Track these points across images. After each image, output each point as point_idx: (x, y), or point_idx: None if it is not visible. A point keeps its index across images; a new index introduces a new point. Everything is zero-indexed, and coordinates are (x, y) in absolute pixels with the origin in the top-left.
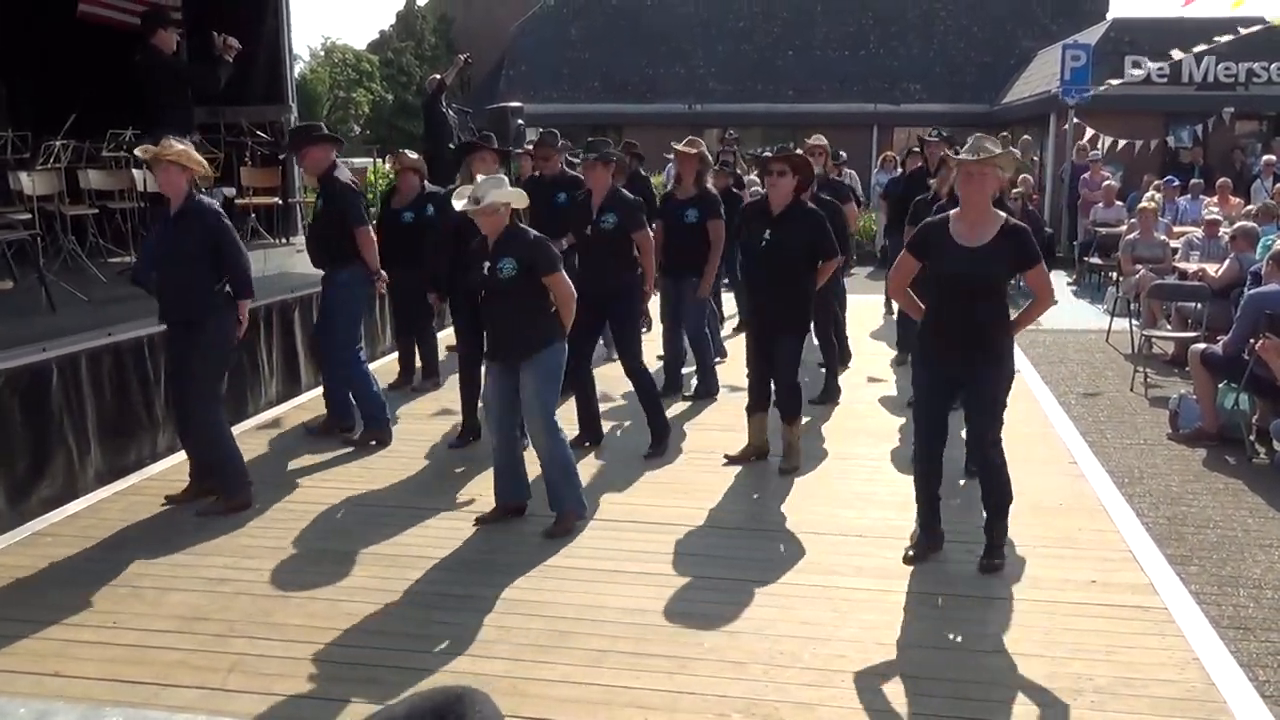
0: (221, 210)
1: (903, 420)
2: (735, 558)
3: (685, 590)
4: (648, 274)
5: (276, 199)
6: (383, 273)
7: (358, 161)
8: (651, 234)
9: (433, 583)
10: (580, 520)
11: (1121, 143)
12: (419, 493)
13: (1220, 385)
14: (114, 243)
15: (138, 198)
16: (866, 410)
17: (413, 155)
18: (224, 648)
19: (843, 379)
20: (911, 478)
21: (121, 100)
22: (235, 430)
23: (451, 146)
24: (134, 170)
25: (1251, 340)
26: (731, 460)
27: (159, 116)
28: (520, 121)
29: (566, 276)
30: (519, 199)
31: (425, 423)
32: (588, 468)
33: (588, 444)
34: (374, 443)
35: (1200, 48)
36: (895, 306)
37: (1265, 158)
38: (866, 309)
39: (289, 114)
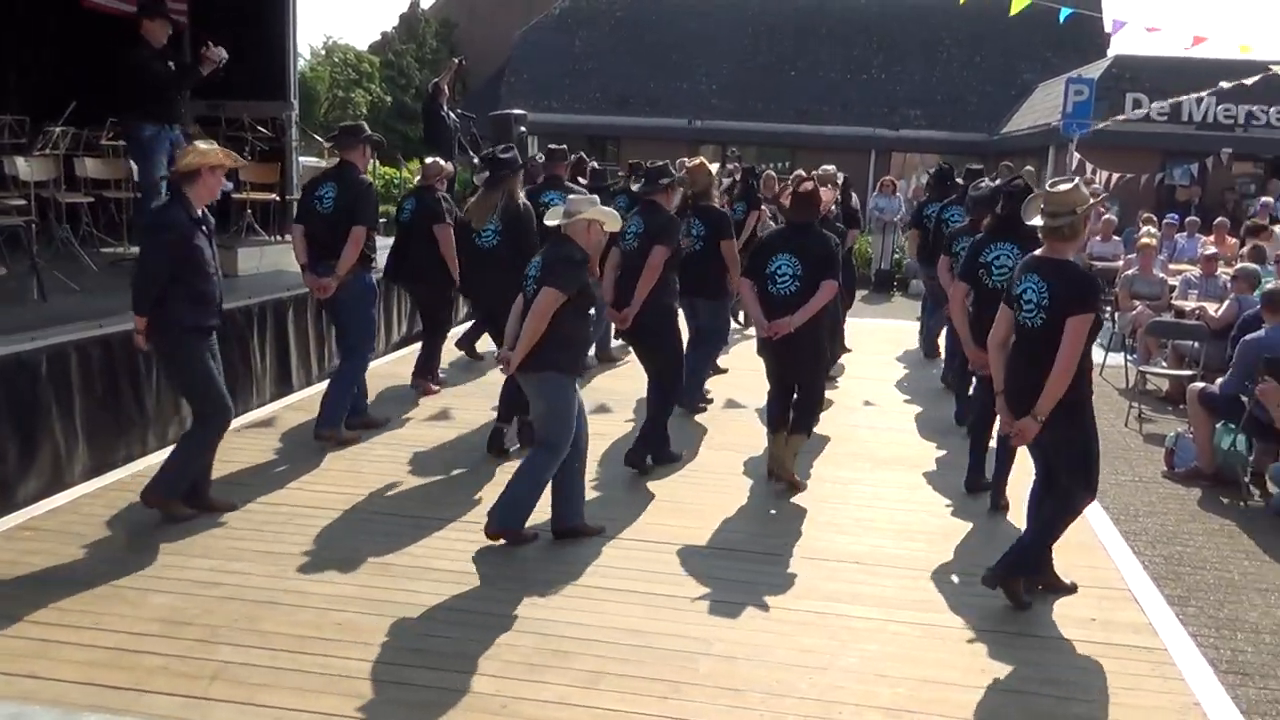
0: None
1: (902, 447)
2: (733, 580)
3: (682, 612)
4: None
5: (274, 195)
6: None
7: None
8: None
9: (425, 595)
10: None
11: (1117, 177)
12: (412, 500)
13: (1218, 425)
14: (107, 232)
15: (133, 187)
16: (866, 435)
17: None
18: (207, 654)
19: (842, 404)
20: (913, 502)
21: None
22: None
23: (473, 155)
24: (132, 160)
25: (1248, 384)
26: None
27: (134, 105)
28: (523, 129)
29: None
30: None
31: (420, 428)
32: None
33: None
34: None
35: (1205, 95)
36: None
37: (1263, 199)
38: (871, 333)
39: (290, 110)
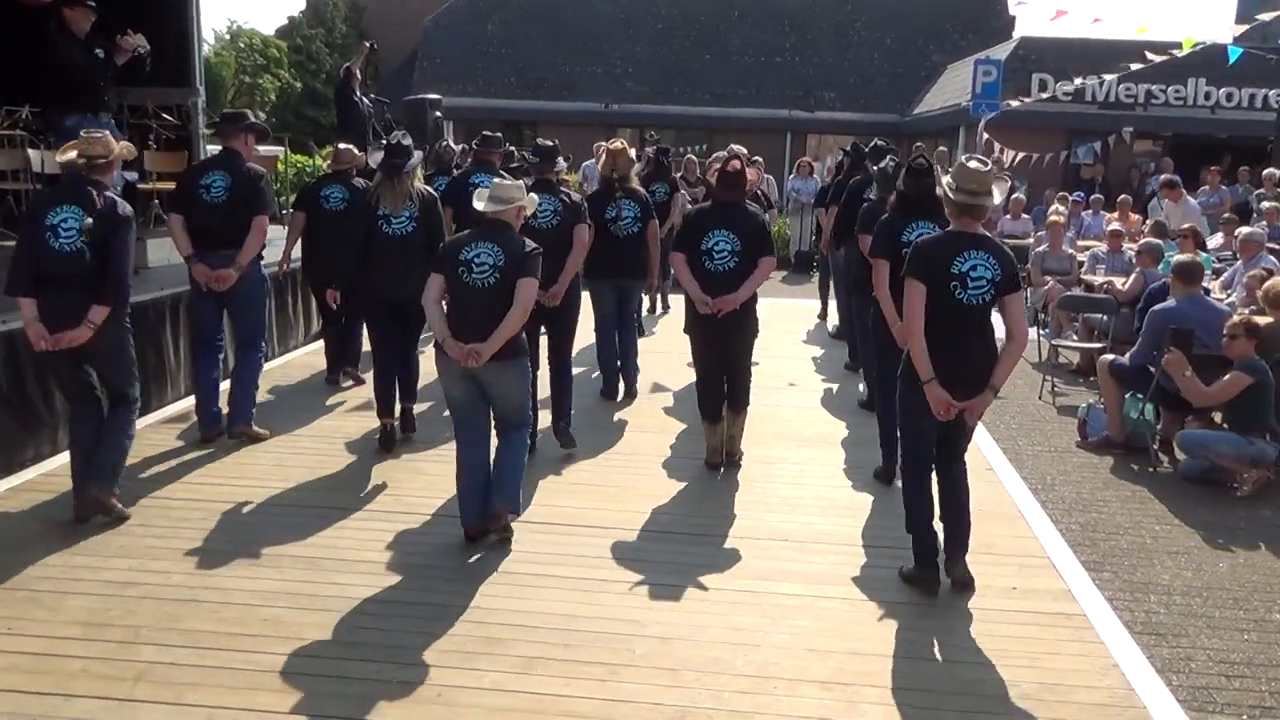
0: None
1: (826, 425)
2: (665, 562)
3: (615, 595)
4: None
5: None
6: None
7: (264, 150)
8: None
9: (353, 587)
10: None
11: (1021, 156)
12: (335, 492)
13: (1127, 396)
14: (5, 225)
15: (32, 179)
16: (790, 414)
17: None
18: (130, 655)
19: (765, 384)
20: (838, 479)
21: (17, 77)
22: (140, 424)
23: (387, 140)
24: (29, 150)
25: (1155, 354)
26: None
27: (58, 94)
28: (438, 114)
29: None
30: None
31: (340, 418)
32: None
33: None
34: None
35: (1107, 76)
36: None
37: (1163, 176)
38: (791, 313)
39: (196, 97)
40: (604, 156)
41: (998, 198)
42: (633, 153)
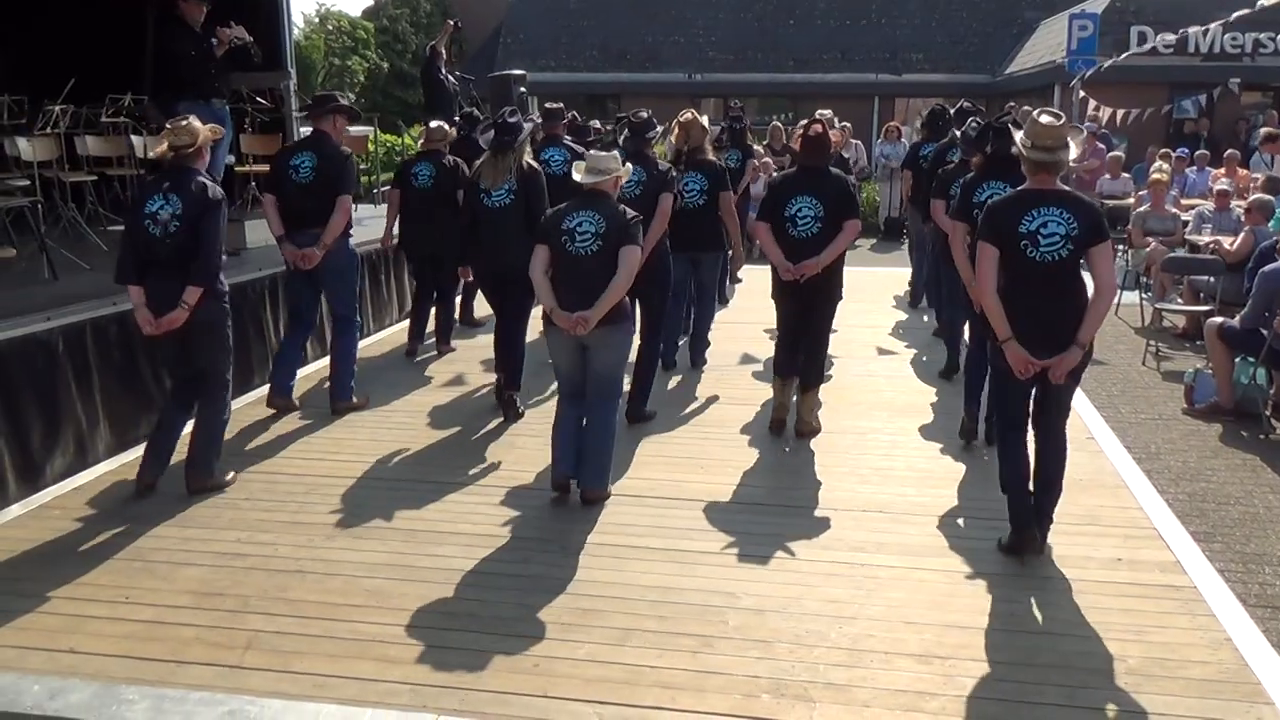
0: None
1: (919, 395)
2: (756, 533)
3: (707, 567)
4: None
5: None
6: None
7: (354, 130)
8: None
9: (452, 558)
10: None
11: (1123, 114)
12: (431, 465)
13: (1237, 360)
14: (113, 210)
15: (135, 164)
16: (882, 384)
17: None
18: (240, 624)
19: (855, 354)
20: (933, 450)
21: (120, 65)
22: (241, 403)
23: (459, 117)
24: (133, 136)
25: (1267, 315)
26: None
27: (173, 85)
28: (523, 89)
29: None
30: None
31: (435, 393)
32: None
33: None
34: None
35: (1211, 25)
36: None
37: (1263, 130)
38: (881, 281)
39: (288, 80)
40: (676, 130)
41: (1074, 151)
42: (705, 120)
